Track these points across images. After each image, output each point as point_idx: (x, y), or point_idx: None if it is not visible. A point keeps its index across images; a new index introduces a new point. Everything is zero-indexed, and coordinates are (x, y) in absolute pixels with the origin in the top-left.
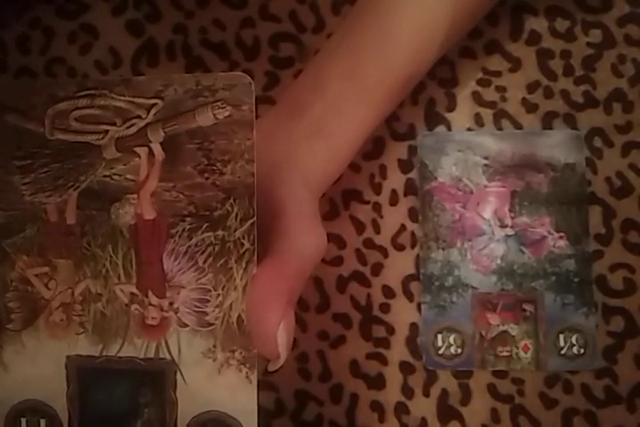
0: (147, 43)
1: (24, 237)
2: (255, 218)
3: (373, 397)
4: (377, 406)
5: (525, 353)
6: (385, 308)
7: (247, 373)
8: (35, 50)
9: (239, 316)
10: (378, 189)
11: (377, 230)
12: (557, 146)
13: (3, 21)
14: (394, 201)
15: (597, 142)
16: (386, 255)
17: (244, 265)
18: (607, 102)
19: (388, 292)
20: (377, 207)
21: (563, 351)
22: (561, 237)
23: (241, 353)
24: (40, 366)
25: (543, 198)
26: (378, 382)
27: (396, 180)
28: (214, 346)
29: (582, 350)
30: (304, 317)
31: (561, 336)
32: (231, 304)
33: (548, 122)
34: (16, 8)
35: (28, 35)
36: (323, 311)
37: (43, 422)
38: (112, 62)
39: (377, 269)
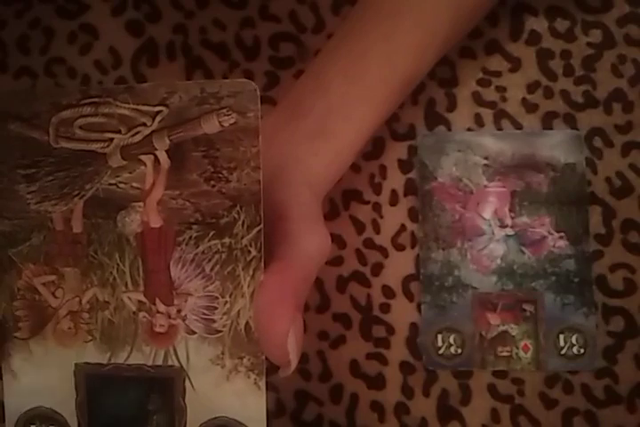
0: (147, 43)
1: (30, 245)
2: (262, 225)
3: (373, 397)
4: (377, 406)
5: (525, 353)
6: (385, 308)
7: (255, 379)
8: (35, 50)
9: (247, 323)
10: (378, 189)
11: (377, 230)
12: (557, 146)
13: (3, 21)
14: (394, 201)
15: (597, 142)
16: (386, 255)
17: (251, 272)
18: (607, 102)
19: (388, 292)
20: (377, 207)
21: (563, 351)
22: (561, 237)
23: (249, 360)
24: (48, 374)
25: (543, 198)
26: (378, 382)
27: (396, 180)
28: (222, 353)
29: (582, 350)
30: (304, 317)
31: (561, 336)
32: (239, 311)
33: (548, 122)
34: (16, 8)
35: (28, 35)
36: (323, 311)
37: None
38: (112, 62)
39: (377, 269)
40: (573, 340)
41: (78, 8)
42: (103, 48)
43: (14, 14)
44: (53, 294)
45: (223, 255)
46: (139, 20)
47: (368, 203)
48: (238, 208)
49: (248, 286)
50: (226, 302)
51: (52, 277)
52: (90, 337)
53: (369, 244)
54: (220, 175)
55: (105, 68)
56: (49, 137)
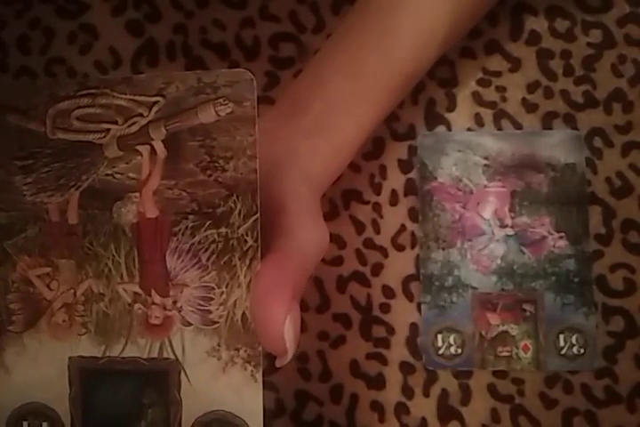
0: (147, 43)
1: (25, 237)
2: (258, 214)
3: (373, 397)
4: (377, 406)
5: (525, 353)
6: (385, 308)
7: (252, 371)
8: (35, 50)
9: (243, 313)
10: (378, 189)
11: (377, 230)
12: (557, 146)
13: (3, 21)
14: (394, 201)
15: (597, 142)
16: (386, 255)
17: (247, 262)
18: (607, 102)
19: (388, 292)
20: (377, 207)
21: (563, 351)
22: (561, 237)
23: (246, 351)
24: (42, 369)
25: (543, 198)
26: (378, 382)
27: (396, 180)
28: (219, 345)
29: (582, 350)
30: (304, 317)
31: (561, 336)
32: (235, 302)
33: (548, 122)
34: (16, 8)
35: (28, 35)
36: (323, 311)
37: (45, 425)
38: (112, 62)
39: (377, 269)
40: (573, 340)
41: (78, 8)
42: (103, 48)
43: (14, 14)
44: (48, 286)
45: (219, 245)
46: (139, 20)
47: (368, 203)
48: (235, 197)
49: (245, 276)
50: (222, 292)
51: (47, 270)
52: (84, 330)
53: (369, 244)
54: (217, 165)
55: (105, 68)
56: (46, 128)
